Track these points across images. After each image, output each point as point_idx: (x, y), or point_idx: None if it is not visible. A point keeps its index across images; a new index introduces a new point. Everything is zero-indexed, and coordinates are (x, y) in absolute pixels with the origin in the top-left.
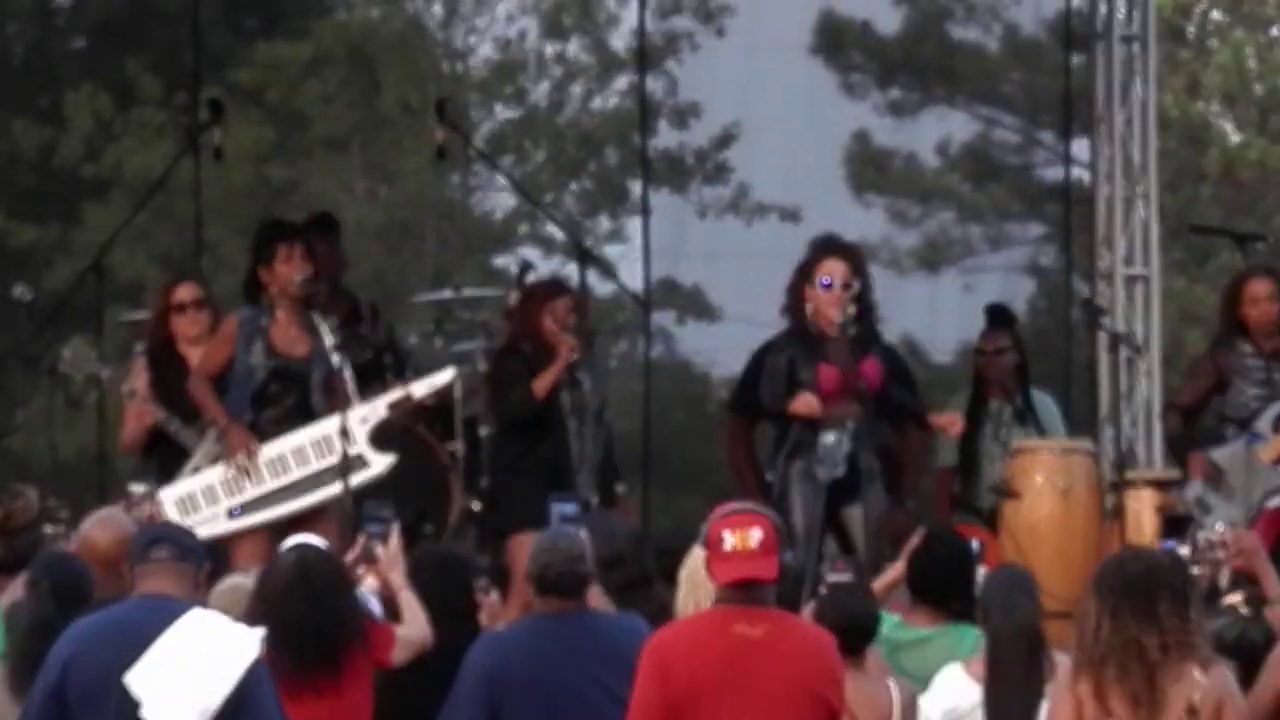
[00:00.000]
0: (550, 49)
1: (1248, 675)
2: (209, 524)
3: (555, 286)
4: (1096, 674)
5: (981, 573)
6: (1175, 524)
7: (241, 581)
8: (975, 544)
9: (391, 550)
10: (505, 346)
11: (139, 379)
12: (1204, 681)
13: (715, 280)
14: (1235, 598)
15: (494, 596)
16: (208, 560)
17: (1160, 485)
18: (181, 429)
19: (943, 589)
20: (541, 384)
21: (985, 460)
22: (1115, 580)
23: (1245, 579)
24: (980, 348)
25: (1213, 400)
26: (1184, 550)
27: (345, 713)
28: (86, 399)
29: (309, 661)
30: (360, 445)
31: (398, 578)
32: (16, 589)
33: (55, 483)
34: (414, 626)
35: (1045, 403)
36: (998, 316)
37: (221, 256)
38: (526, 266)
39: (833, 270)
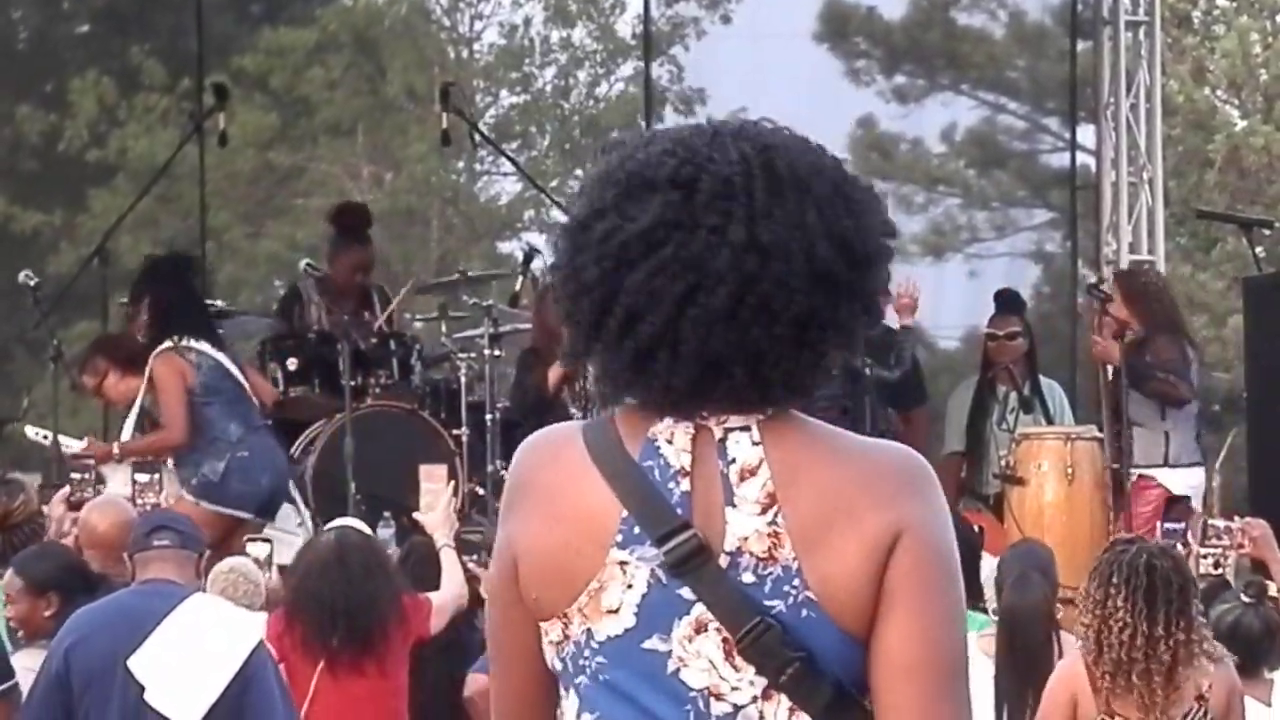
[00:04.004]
0: (556, 35)
1: (1242, 663)
2: None
3: None
4: (1123, 675)
5: (986, 560)
6: (1175, 504)
7: (240, 563)
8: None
9: (439, 511)
10: (529, 341)
11: None
12: (1213, 670)
13: None
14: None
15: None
16: (207, 547)
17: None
18: None
19: None
20: (550, 376)
21: (991, 446)
22: (1144, 579)
23: (1254, 566)
24: (992, 332)
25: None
26: (1187, 534)
27: (389, 694)
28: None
29: (348, 642)
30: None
31: (443, 536)
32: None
33: (60, 469)
34: (448, 590)
35: (1053, 389)
36: (1008, 301)
37: (226, 242)
38: (532, 253)
39: None
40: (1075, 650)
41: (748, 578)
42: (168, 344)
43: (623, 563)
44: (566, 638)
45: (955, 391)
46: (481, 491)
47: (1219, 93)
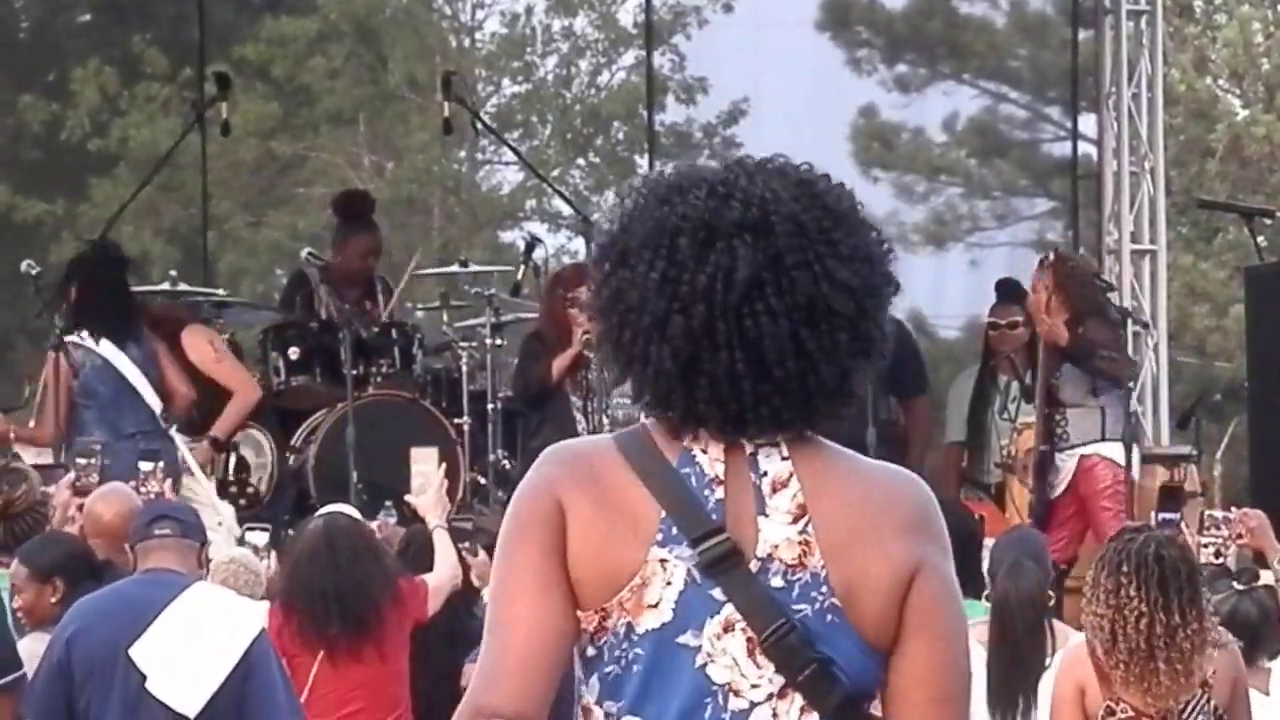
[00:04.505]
0: (558, 24)
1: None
2: None
3: (582, 272)
4: (1139, 663)
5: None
6: (1171, 494)
7: (240, 553)
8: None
9: (431, 494)
10: (534, 328)
11: None
12: (1217, 656)
13: None
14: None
15: (481, 556)
16: (208, 538)
17: (1166, 460)
18: None
19: None
20: (555, 366)
21: (993, 435)
22: (1154, 568)
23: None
24: (993, 321)
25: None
26: (1182, 524)
27: (389, 679)
28: None
29: (344, 628)
30: None
31: (435, 518)
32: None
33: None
34: (442, 572)
35: None
36: (1010, 291)
37: (228, 231)
38: (533, 242)
39: None
40: (1076, 641)
41: (776, 582)
42: (67, 339)
43: (663, 560)
44: (604, 629)
45: (957, 381)
46: (483, 481)
47: (1221, 82)
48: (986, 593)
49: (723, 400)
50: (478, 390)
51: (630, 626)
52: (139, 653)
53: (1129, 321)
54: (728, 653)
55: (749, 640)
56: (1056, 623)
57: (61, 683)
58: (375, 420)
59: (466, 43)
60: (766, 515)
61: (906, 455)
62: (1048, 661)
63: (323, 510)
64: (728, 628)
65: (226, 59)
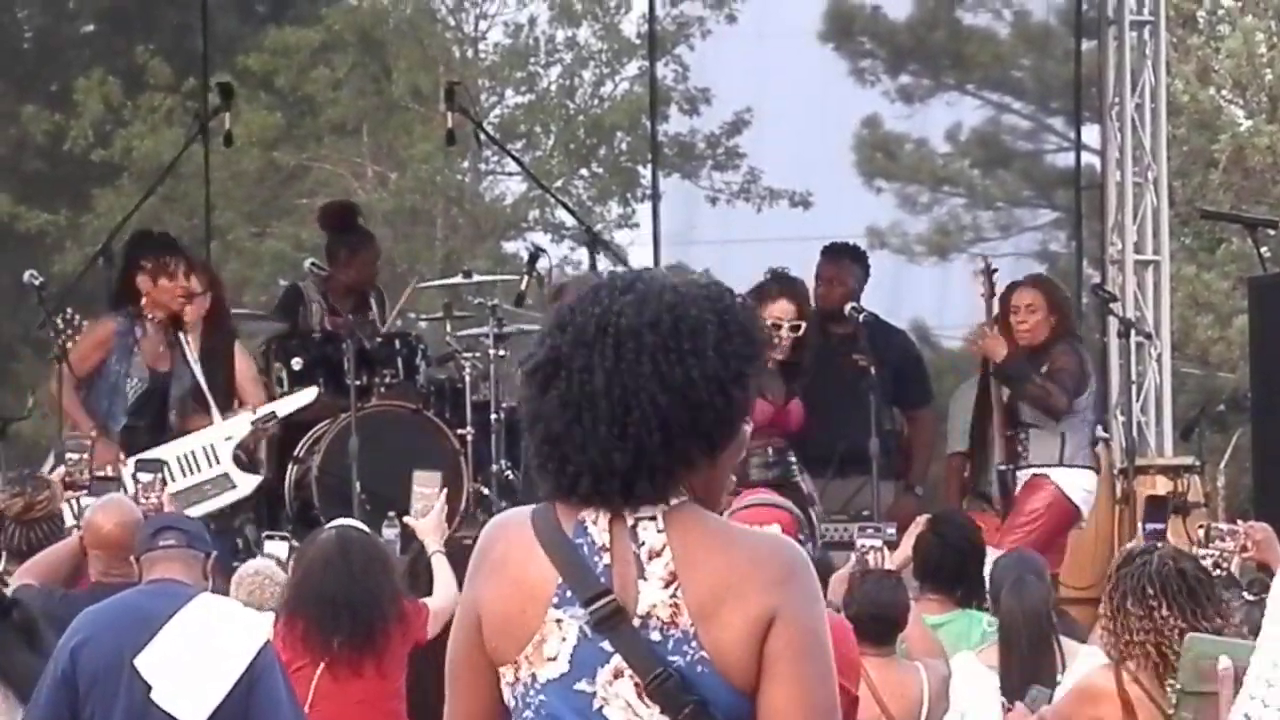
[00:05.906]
0: (561, 34)
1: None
2: None
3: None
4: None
5: (992, 555)
6: (1157, 504)
7: (264, 565)
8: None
9: (432, 518)
10: None
11: None
12: None
13: (726, 266)
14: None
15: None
16: (214, 549)
17: (1170, 471)
18: None
19: (953, 574)
20: None
21: (995, 446)
22: (1180, 583)
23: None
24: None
25: None
26: (1168, 534)
27: (388, 696)
28: None
29: (349, 640)
30: (225, 464)
31: (434, 543)
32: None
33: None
34: (443, 596)
35: None
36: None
37: (231, 241)
38: (537, 252)
39: (782, 312)
40: (1084, 676)
41: (655, 636)
42: None
43: (559, 620)
44: (517, 679)
45: (959, 391)
46: (486, 491)
47: (1224, 93)
48: (989, 606)
49: (546, 471)
50: (481, 400)
51: (534, 676)
52: (144, 663)
53: (1131, 332)
54: (620, 696)
55: (636, 685)
56: (1064, 639)
57: (66, 693)
58: (378, 430)
59: (470, 53)
60: (645, 579)
61: (910, 466)
62: (1059, 677)
63: (333, 523)
64: (617, 674)
65: (230, 69)
